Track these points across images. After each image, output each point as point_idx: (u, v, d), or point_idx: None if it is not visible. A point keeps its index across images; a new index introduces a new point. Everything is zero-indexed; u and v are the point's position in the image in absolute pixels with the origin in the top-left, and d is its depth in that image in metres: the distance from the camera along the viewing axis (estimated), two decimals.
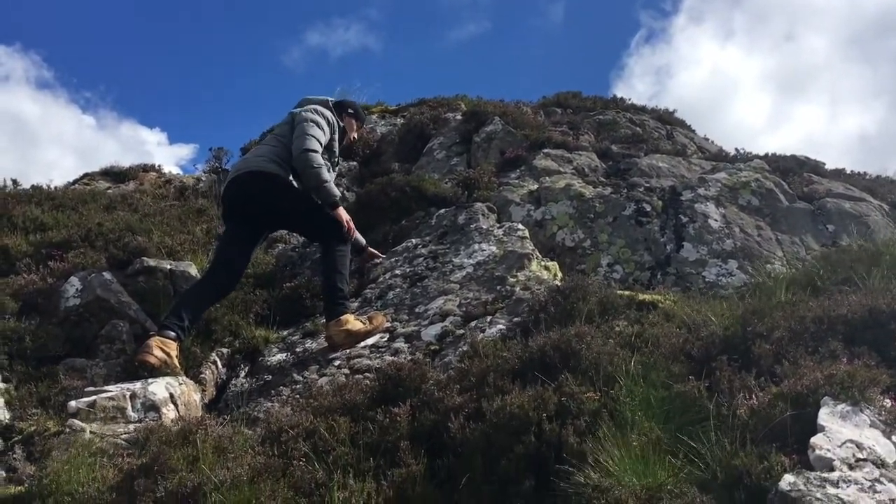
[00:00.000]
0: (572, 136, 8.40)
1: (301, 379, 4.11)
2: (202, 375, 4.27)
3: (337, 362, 4.22)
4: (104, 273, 4.90)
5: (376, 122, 9.97)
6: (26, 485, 2.91)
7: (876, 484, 1.90)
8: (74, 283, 4.80)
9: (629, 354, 3.00)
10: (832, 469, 1.98)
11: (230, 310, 4.97)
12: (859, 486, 1.89)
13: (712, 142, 10.23)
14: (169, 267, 5.16)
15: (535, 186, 6.82)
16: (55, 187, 8.28)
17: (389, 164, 8.49)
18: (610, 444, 2.36)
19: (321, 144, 4.72)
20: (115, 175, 9.86)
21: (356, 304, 5.04)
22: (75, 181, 9.62)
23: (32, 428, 3.41)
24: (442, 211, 6.26)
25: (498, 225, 5.85)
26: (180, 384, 3.84)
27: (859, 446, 2.05)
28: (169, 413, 3.56)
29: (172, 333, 4.13)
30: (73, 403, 3.37)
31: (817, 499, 1.85)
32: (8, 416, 3.57)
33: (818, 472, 1.97)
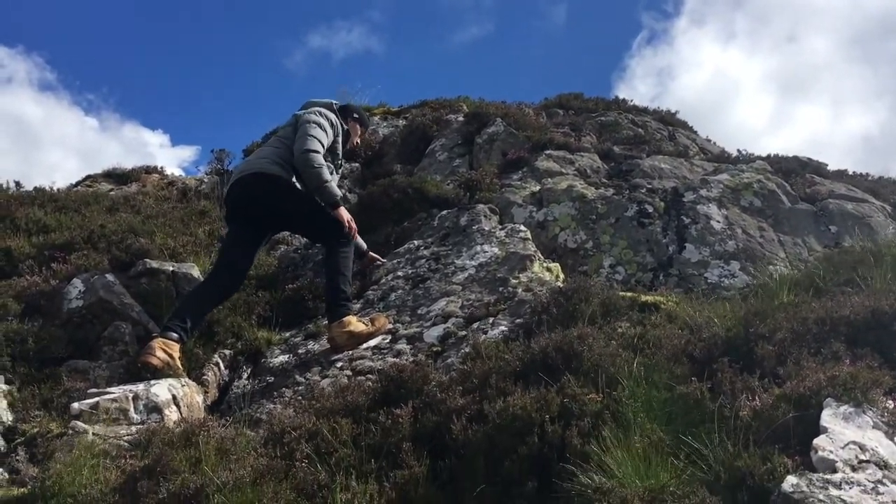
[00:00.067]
0: (574, 138, 8.40)
1: (303, 380, 4.12)
2: (204, 377, 4.27)
3: (339, 364, 4.22)
4: (107, 275, 4.90)
5: (378, 123, 9.98)
6: (29, 486, 2.91)
7: (878, 486, 1.90)
8: (77, 284, 4.81)
9: (631, 356, 3.00)
10: (835, 471, 1.97)
11: (232, 311, 4.97)
12: (862, 487, 1.89)
13: (714, 143, 10.22)
14: (171, 269, 5.16)
15: (537, 188, 6.82)
16: (58, 189, 8.30)
17: (391, 166, 8.50)
18: (612, 446, 2.36)
19: (323, 146, 4.73)
20: (117, 177, 9.88)
21: (358, 306, 5.04)
22: (78, 183, 9.64)
23: (35, 430, 3.41)
24: (444, 212, 6.26)
25: (500, 226, 5.85)
26: (183, 386, 3.84)
27: (862, 448, 2.05)
28: (171, 415, 3.57)
29: (175, 335, 4.13)
30: (75, 405, 3.38)
31: (820, 500, 1.85)
32: (11, 418, 3.57)
33: (821, 474, 1.97)
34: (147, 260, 5.19)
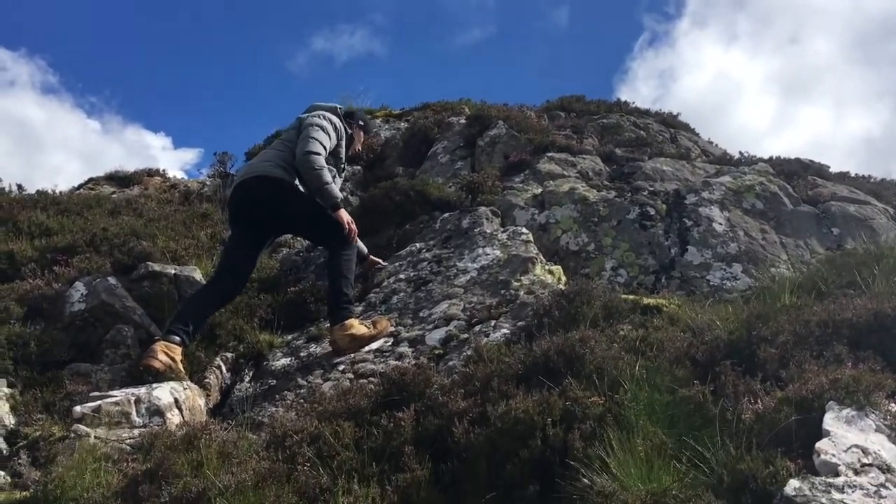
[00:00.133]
0: (576, 140, 8.40)
1: (305, 383, 4.12)
2: (207, 380, 4.27)
3: (341, 367, 4.22)
4: (109, 278, 4.91)
5: (380, 126, 9.98)
6: (31, 490, 2.91)
7: (881, 489, 1.89)
8: (79, 287, 4.81)
9: (633, 359, 3.00)
10: (837, 474, 1.97)
11: (234, 314, 4.97)
12: (864, 491, 1.89)
13: (716, 145, 10.21)
14: (173, 272, 5.16)
15: (539, 190, 6.82)
16: (60, 192, 8.32)
17: (393, 169, 8.50)
18: (615, 449, 2.36)
19: (325, 149, 4.74)
20: (119, 180, 9.90)
21: (360, 309, 5.04)
22: (80, 186, 9.66)
23: (37, 433, 3.41)
24: (446, 215, 6.26)
25: (502, 229, 5.85)
26: (185, 389, 3.84)
27: (864, 451, 2.04)
28: (173, 418, 3.57)
29: (177, 338, 4.13)
30: (77, 408, 3.38)
31: None
32: (13, 422, 3.57)
33: (823, 478, 1.97)
34: (149, 263, 5.19)
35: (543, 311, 3.93)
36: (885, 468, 1.99)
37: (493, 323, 4.27)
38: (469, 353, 3.77)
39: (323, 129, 4.81)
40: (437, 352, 4.13)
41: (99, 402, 3.42)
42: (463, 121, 9.22)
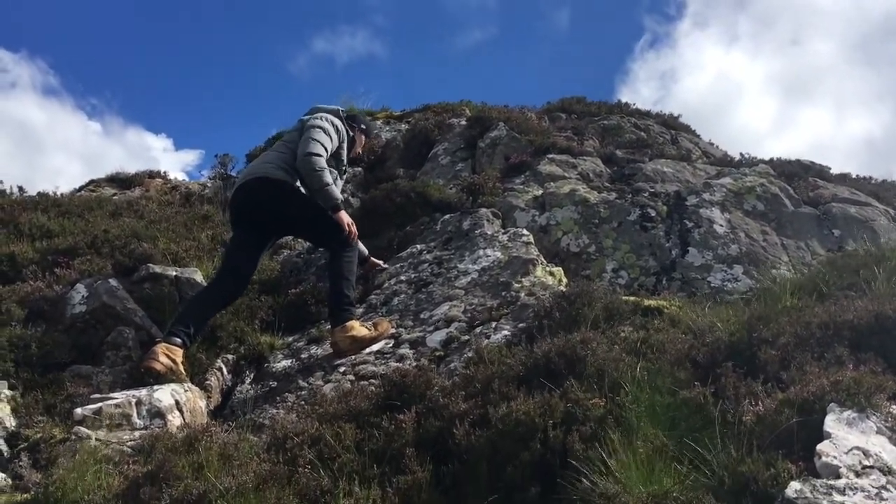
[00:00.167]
0: (577, 142, 8.40)
1: (306, 385, 4.12)
2: (207, 382, 4.27)
3: (342, 369, 4.22)
4: (110, 280, 4.91)
5: (381, 127, 9.98)
6: (32, 492, 2.91)
7: (882, 491, 1.89)
8: (80, 289, 4.82)
9: (635, 360, 3.00)
10: (838, 476, 1.97)
11: (235, 316, 4.98)
12: (866, 493, 1.89)
13: (717, 146, 10.21)
14: (174, 273, 5.17)
15: (540, 192, 6.82)
16: (61, 194, 8.33)
17: (394, 170, 8.50)
18: (616, 451, 2.35)
19: (326, 150, 4.74)
20: (120, 181, 9.91)
21: (361, 310, 5.04)
22: (81, 188, 9.67)
23: (38, 435, 3.41)
24: (447, 217, 6.27)
25: (503, 230, 5.85)
26: (186, 391, 3.84)
27: (866, 453, 2.04)
28: (174, 420, 3.57)
29: (178, 340, 4.14)
30: (78, 410, 3.38)
31: None
32: (14, 423, 3.57)
33: (824, 480, 1.96)
34: (150, 265, 5.20)
35: (544, 312, 3.93)
36: (886, 470, 1.98)
37: (493, 325, 4.27)
38: (470, 354, 3.77)
39: (325, 130, 4.81)
40: (437, 353, 4.13)
41: (100, 404, 3.42)
42: (463, 122, 9.23)
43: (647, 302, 4.07)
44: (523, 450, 2.55)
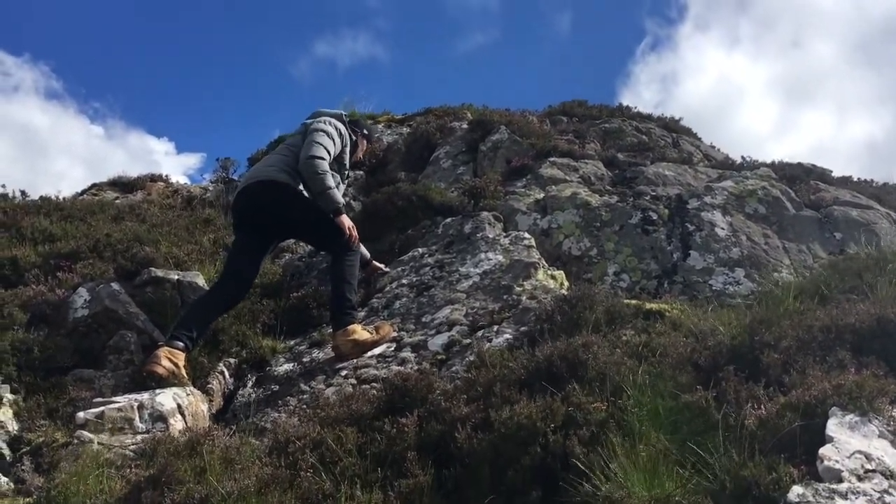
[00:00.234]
0: (578, 145, 8.40)
1: (308, 389, 4.12)
2: (209, 386, 4.27)
3: (344, 372, 4.22)
4: (112, 284, 4.92)
5: (382, 131, 9.99)
6: (34, 496, 2.92)
7: (885, 495, 1.89)
8: (83, 293, 4.82)
9: (636, 364, 3.00)
10: (841, 480, 1.97)
11: (237, 320, 4.98)
12: (868, 497, 1.88)
13: (718, 150, 10.21)
14: (176, 277, 5.17)
15: (542, 195, 6.83)
16: (64, 198, 8.33)
17: (396, 174, 8.50)
18: (618, 455, 2.35)
19: (329, 154, 4.75)
20: (122, 185, 9.91)
21: (363, 314, 5.04)
22: (83, 192, 9.67)
23: (41, 439, 3.42)
24: (448, 220, 6.27)
25: (504, 234, 5.85)
26: (188, 395, 3.84)
27: (868, 457, 2.04)
28: (176, 424, 3.57)
29: (181, 344, 4.14)
30: (81, 414, 3.38)
31: None
32: (16, 428, 3.58)
33: (827, 484, 1.96)
34: (152, 269, 5.21)
35: (546, 316, 3.93)
36: (888, 474, 1.98)
37: (495, 328, 4.27)
38: (471, 358, 3.77)
39: (328, 134, 4.82)
40: (439, 357, 4.13)
41: (102, 408, 3.42)
42: (465, 126, 9.23)
43: (648, 305, 4.07)
44: (525, 453, 2.54)
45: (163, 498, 2.63)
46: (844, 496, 1.89)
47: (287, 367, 4.51)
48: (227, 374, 4.51)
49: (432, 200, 6.64)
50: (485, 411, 2.86)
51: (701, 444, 2.34)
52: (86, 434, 3.22)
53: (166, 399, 3.65)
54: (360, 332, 4.42)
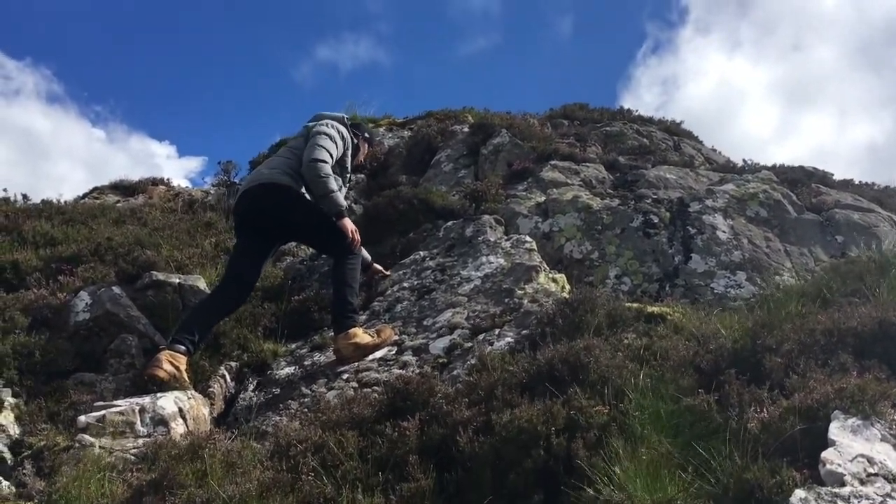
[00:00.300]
0: (579, 148, 8.41)
1: (309, 392, 4.11)
2: (211, 389, 4.27)
3: (345, 376, 4.22)
4: (113, 287, 4.92)
5: (384, 134, 10.00)
6: (36, 500, 2.92)
7: (887, 499, 1.88)
8: (84, 297, 4.82)
9: (638, 367, 2.99)
10: (843, 484, 1.96)
11: (238, 323, 4.98)
12: (870, 501, 1.88)
13: (720, 153, 10.22)
14: (178, 281, 5.17)
15: (543, 198, 6.83)
16: (65, 202, 8.35)
17: (397, 177, 8.51)
18: (620, 459, 2.35)
19: (332, 157, 4.75)
20: (124, 189, 9.93)
21: (364, 317, 5.04)
22: (85, 195, 9.68)
23: (42, 443, 3.42)
24: (449, 223, 6.27)
25: (505, 237, 5.85)
26: (189, 398, 3.84)
27: (870, 461, 2.03)
28: (178, 427, 3.57)
29: (182, 347, 4.14)
30: (82, 418, 3.38)
31: None
32: (18, 431, 3.58)
33: (829, 488, 1.96)
34: (153, 272, 5.20)
35: (547, 319, 3.93)
36: (890, 478, 1.98)
37: (496, 331, 4.26)
38: (473, 361, 3.76)
39: (330, 137, 4.82)
40: (441, 360, 4.12)
41: (103, 412, 3.42)
42: (466, 129, 9.24)
43: (650, 309, 4.06)
44: (527, 457, 2.54)
45: (164, 502, 2.63)
46: (847, 500, 1.88)
47: (288, 370, 4.51)
48: (228, 377, 4.51)
49: (433, 204, 6.64)
50: (486, 415, 2.86)
51: (703, 448, 2.33)
52: (87, 438, 3.22)
53: (168, 403, 3.64)
54: (362, 335, 4.41)
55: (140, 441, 3.33)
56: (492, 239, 5.73)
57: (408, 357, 4.26)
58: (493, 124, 8.83)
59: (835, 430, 2.19)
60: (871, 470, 2.01)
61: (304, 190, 4.72)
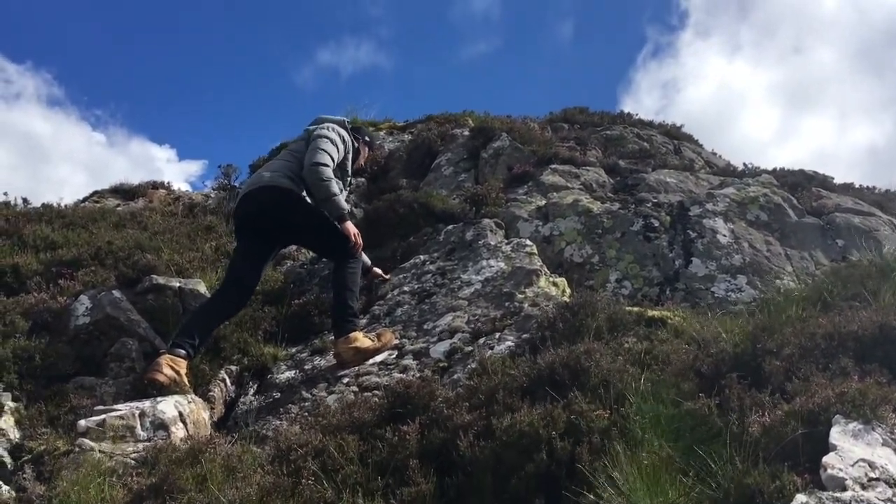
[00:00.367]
0: (580, 152, 8.41)
1: (310, 396, 4.11)
2: (211, 393, 4.27)
3: (345, 380, 4.22)
4: (114, 291, 4.91)
5: (384, 138, 10.00)
6: None
7: None
8: (84, 301, 4.82)
9: (638, 371, 2.99)
10: (844, 489, 1.96)
11: (239, 327, 4.98)
12: None
13: (720, 156, 10.23)
14: (178, 285, 5.17)
15: (543, 202, 6.83)
16: (65, 205, 8.34)
17: (397, 181, 8.51)
18: (621, 463, 2.35)
19: (333, 160, 4.75)
20: (124, 192, 9.92)
21: (365, 321, 5.04)
22: (85, 199, 9.68)
23: (42, 447, 3.41)
24: (450, 227, 6.27)
25: (506, 241, 5.85)
26: (189, 402, 3.84)
27: (872, 465, 2.03)
28: (178, 432, 3.56)
29: (182, 351, 4.13)
30: (82, 422, 3.38)
31: None
32: (18, 436, 3.57)
33: (830, 492, 1.95)
34: (154, 276, 5.20)
35: (548, 323, 3.93)
36: (892, 482, 1.97)
37: (497, 335, 4.26)
38: (473, 365, 3.76)
39: (332, 140, 4.82)
40: (441, 364, 4.12)
41: (103, 416, 3.42)
42: (466, 133, 9.24)
43: (650, 312, 4.06)
44: (528, 461, 2.54)
45: None
46: None
47: (289, 374, 4.51)
48: (228, 381, 4.50)
49: (434, 207, 6.64)
50: (487, 419, 2.86)
51: (704, 452, 2.33)
52: (87, 442, 3.21)
53: (168, 407, 3.64)
54: (362, 339, 4.41)
55: (140, 445, 3.33)
56: (492, 243, 5.73)
57: (408, 361, 4.26)
58: (493, 128, 8.84)
59: (836, 435, 2.19)
60: (872, 474, 2.00)
61: (304, 193, 4.72)
